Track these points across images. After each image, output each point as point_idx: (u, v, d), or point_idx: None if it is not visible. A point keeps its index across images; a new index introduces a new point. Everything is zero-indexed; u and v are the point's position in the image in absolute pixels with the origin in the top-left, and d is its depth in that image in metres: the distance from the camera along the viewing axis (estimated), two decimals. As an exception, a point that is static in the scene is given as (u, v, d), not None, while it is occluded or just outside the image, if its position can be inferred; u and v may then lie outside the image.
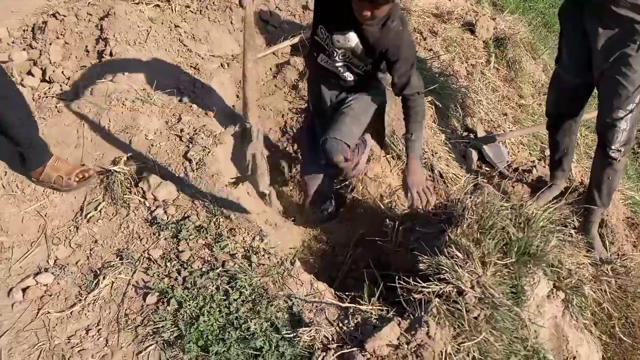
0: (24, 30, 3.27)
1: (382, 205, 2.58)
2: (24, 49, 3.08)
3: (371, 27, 2.01)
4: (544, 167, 3.43)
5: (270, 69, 3.52)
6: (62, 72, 2.87)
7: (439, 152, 3.03)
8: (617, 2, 2.33)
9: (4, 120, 2.06)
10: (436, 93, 3.37)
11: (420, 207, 2.11)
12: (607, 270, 2.43)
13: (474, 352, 1.71)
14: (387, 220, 2.31)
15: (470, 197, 2.15)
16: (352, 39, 2.07)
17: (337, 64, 2.20)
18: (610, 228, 2.88)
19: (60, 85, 2.81)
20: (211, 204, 2.23)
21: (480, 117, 3.63)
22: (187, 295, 1.86)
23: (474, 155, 3.24)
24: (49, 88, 2.81)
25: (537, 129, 3.62)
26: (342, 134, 2.26)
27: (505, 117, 3.95)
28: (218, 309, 1.83)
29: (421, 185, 2.08)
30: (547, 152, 3.34)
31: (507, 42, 4.50)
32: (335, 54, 2.16)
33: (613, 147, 2.56)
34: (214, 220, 2.18)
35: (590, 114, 3.34)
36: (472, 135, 3.41)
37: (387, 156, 2.87)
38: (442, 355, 1.71)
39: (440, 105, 3.36)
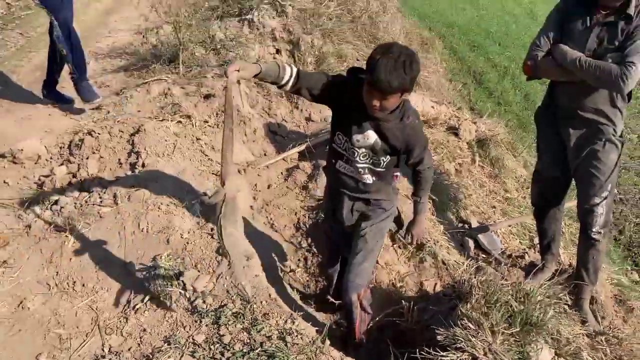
0: (60, 147, 3.66)
1: (395, 290, 2.85)
2: (61, 164, 3.45)
3: (388, 123, 2.21)
4: (535, 253, 3.75)
5: (282, 173, 3.90)
6: (100, 182, 3.21)
7: (440, 241, 3.36)
8: (583, 108, 2.79)
9: None
10: (432, 189, 3.75)
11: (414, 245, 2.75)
12: (602, 340, 2.69)
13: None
14: (402, 301, 2.59)
15: (475, 277, 2.45)
16: (371, 136, 2.25)
17: (359, 165, 2.34)
18: (600, 304, 3.16)
19: (99, 194, 3.14)
20: (245, 292, 2.49)
21: (472, 210, 3.99)
22: (232, 374, 2.08)
23: (471, 243, 3.57)
24: (89, 197, 3.14)
25: (524, 219, 4.00)
26: (359, 277, 2.51)
27: (494, 209, 4.32)
28: (261, 384, 2.04)
29: (421, 235, 2.60)
30: (537, 240, 3.68)
31: (488, 142, 4.99)
32: (355, 154, 2.31)
33: (594, 230, 2.91)
34: (249, 307, 2.43)
35: (571, 202, 3.72)
36: (467, 226, 3.76)
37: (395, 245, 3.18)
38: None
39: (437, 200, 3.73)
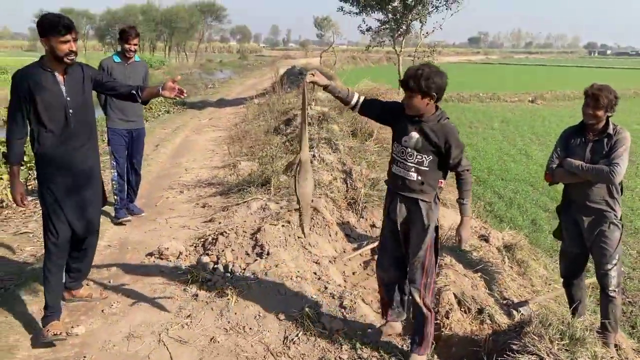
0: (195, 247, 4.81)
1: (469, 335, 3.84)
2: (203, 254, 4.57)
3: (428, 123, 2.90)
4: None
5: (360, 264, 5.00)
6: (240, 266, 4.31)
7: (492, 311, 4.36)
8: (591, 200, 3.97)
9: None
10: (482, 274, 4.83)
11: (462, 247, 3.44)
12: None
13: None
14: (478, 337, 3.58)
15: (529, 314, 3.48)
16: (414, 136, 2.93)
17: (409, 163, 2.97)
18: (623, 350, 4.11)
19: (241, 273, 4.22)
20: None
21: (511, 293, 5.03)
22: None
23: (515, 313, 4.56)
24: (231, 277, 4.20)
25: (554, 294, 5.00)
26: (417, 282, 3.11)
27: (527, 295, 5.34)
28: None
29: (469, 237, 3.16)
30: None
31: (514, 247, 6.13)
32: (404, 153, 2.97)
33: (610, 289, 3.97)
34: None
35: (590, 279, 4.78)
36: (510, 301, 4.76)
37: (461, 310, 4.20)
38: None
39: (485, 281, 4.80)
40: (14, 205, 6.36)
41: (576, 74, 44.46)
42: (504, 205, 10.88)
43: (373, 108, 3.21)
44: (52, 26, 3.12)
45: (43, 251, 3.53)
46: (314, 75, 3.06)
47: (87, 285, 4.09)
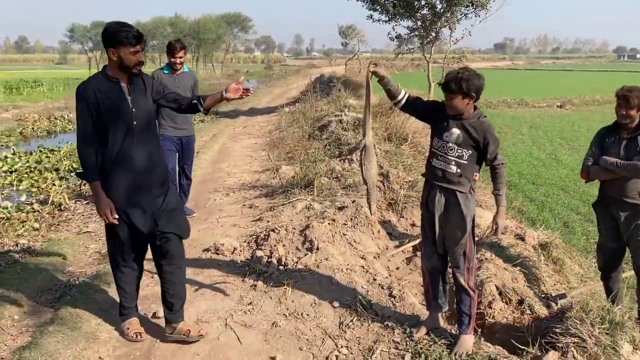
0: (248, 243, 5.13)
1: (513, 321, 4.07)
2: (257, 249, 4.88)
3: (469, 120, 3.15)
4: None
5: (403, 260, 5.27)
6: (292, 259, 4.61)
7: (532, 302, 4.57)
8: (627, 195, 4.17)
9: None
10: (520, 269, 5.05)
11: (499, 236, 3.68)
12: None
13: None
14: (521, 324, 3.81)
15: (571, 299, 3.69)
16: (455, 132, 3.17)
17: (449, 157, 3.19)
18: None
19: (291, 267, 4.52)
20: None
21: (549, 286, 5.22)
22: None
23: (554, 305, 4.75)
24: (285, 270, 4.50)
25: (593, 287, 5.18)
26: (461, 267, 3.33)
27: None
28: None
29: (504, 226, 3.43)
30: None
31: (549, 246, 6.31)
32: (445, 148, 3.20)
33: (646, 278, 4.17)
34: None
35: (627, 273, 4.95)
36: (549, 294, 4.96)
37: (502, 301, 4.42)
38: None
39: (524, 275, 5.01)
40: (72, 207, 6.81)
41: (605, 78, 43.95)
42: (536, 208, 10.97)
43: (417, 105, 3.46)
44: (122, 36, 3.10)
45: (106, 249, 3.83)
46: (376, 66, 3.30)
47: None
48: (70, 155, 10.42)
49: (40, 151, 11.04)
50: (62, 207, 6.82)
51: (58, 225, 6.13)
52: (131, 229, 3.33)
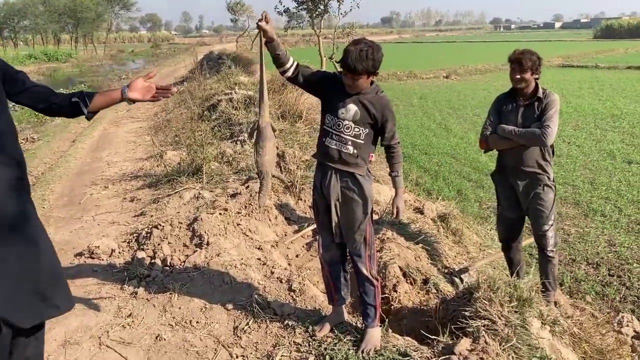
0: (128, 242, 4.54)
1: (419, 304, 3.86)
2: (138, 249, 4.32)
3: (367, 95, 2.82)
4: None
5: (303, 246, 4.92)
6: (179, 259, 4.10)
7: (437, 280, 4.42)
8: (525, 164, 4.07)
9: None
10: (422, 245, 4.89)
11: (400, 219, 3.58)
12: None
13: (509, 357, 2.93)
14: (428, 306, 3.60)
15: (475, 274, 3.53)
16: (352, 108, 2.82)
17: (345, 136, 2.85)
18: (562, 307, 4.29)
19: (181, 266, 4.02)
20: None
21: (451, 260, 5.13)
22: None
23: (458, 280, 4.64)
24: (171, 271, 4.00)
25: (493, 257, 5.15)
26: (362, 256, 3.03)
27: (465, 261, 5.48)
28: None
29: (403, 208, 3.10)
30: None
31: (447, 217, 6.26)
32: (341, 126, 2.85)
33: (548, 249, 4.11)
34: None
35: (527, 240, 4.94)
36: (452, 269, 4.85)
37: (407, 281, 4.22)
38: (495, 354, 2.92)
39: (426, 252, 4.86)
40: None
41: (485, 49, 46.27)
42: (430, 178, 11.13)
43: (307, 75, 2.98)
44: None
45: None
46: (267, 23, 2.76)
47: None
48: None
49: None
50: None
51: None
52: None
